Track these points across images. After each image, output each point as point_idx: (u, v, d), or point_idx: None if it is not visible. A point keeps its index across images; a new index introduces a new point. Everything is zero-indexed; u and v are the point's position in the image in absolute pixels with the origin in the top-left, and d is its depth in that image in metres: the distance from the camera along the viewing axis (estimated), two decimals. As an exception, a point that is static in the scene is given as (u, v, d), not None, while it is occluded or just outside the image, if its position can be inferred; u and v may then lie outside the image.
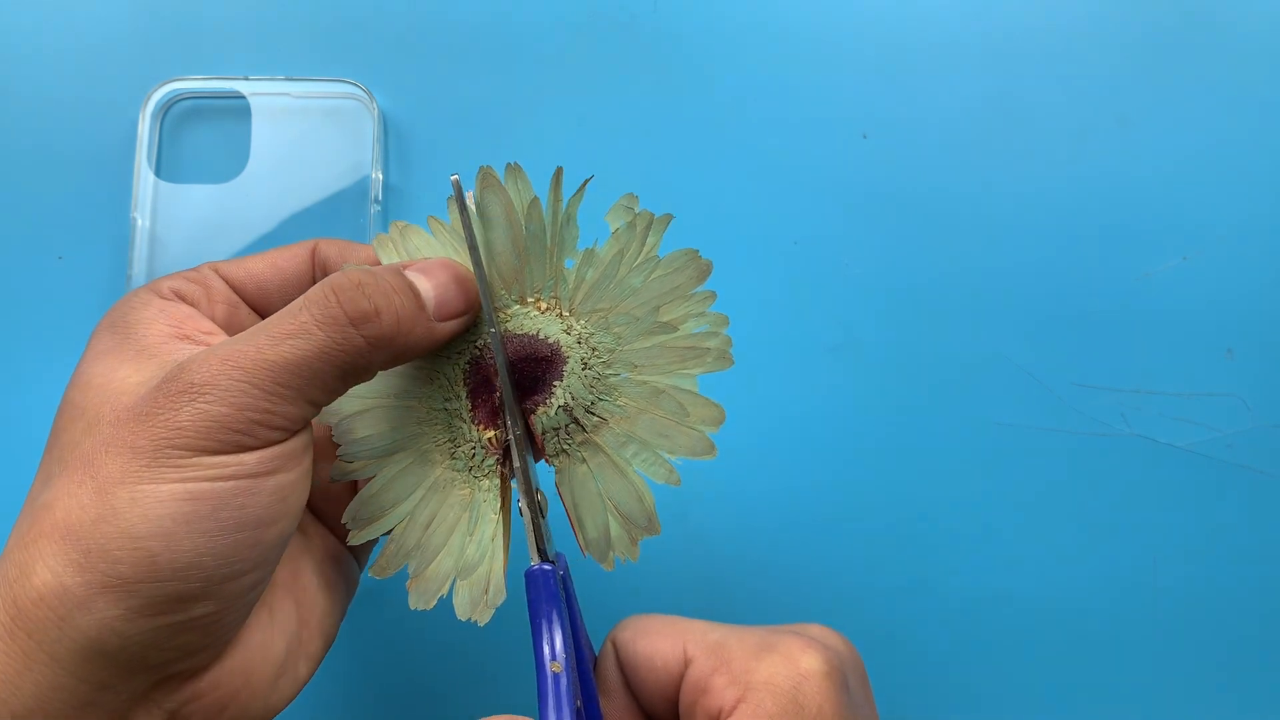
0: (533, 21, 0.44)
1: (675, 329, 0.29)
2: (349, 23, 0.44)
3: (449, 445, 0.31)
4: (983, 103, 0.44)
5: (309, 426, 0.26)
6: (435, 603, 0.30)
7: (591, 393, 0.30)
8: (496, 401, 0.30)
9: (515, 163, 0.29)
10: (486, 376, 0.30)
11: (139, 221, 0.41)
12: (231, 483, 0.24)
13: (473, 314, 0.29)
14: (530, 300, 0.30)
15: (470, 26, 0.44)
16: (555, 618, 0.28)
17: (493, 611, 0.30)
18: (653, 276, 0.30)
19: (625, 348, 0.30)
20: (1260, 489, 0.41)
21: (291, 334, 0.25)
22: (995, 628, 0.40)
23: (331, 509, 0.31)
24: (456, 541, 0.30)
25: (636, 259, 0.30)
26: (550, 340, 0.30)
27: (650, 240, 0.30)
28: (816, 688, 0.25)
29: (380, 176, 0.42)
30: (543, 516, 0.29)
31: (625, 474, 0.30)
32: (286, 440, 0.25)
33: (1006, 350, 0.42)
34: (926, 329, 0.42)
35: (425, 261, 0.28)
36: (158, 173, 0.42)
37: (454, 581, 0.30)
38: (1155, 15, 0.45)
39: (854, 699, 0.26)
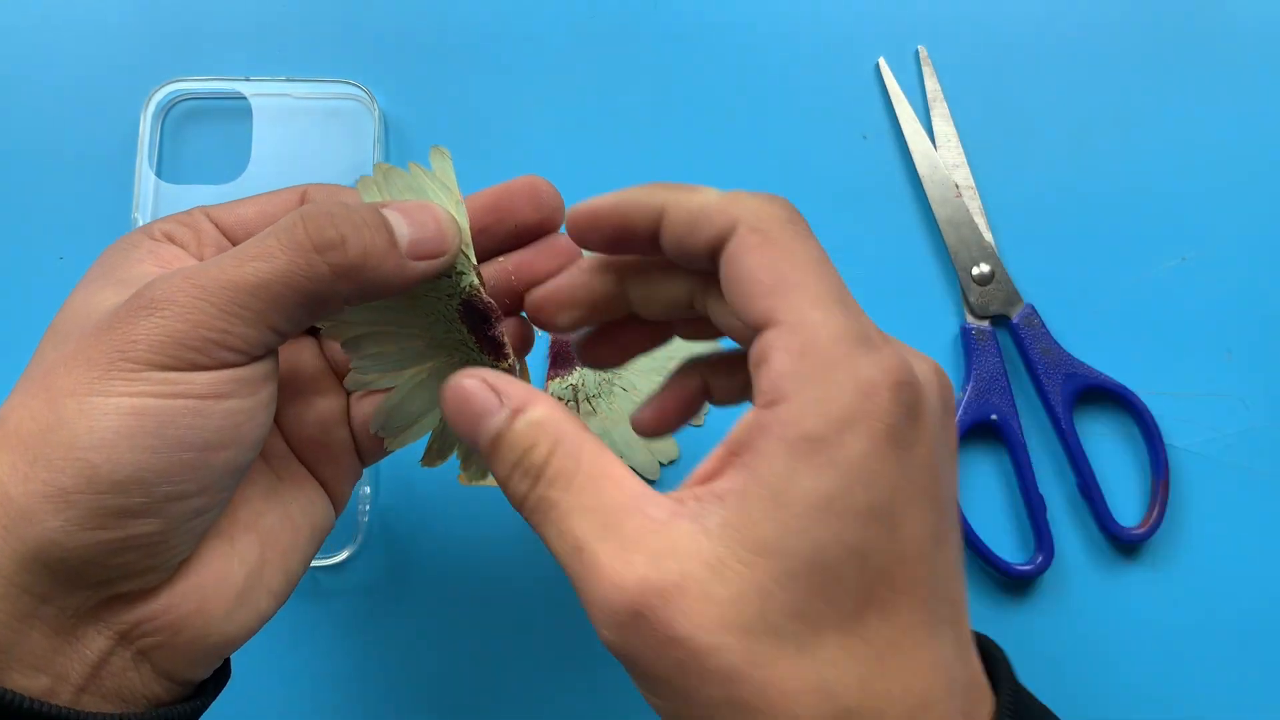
0: (533, 22, 0.45)
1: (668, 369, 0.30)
2: (349, 23, 0.44)
3: (465, 365, 0.30)
4: (982, 102, 0.44)
5: (272, 356, 0.26)
6: (490, 477, 0.30)
7: (597, 388, 0.40)
8: (499, 336, 0.29)
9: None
10: (483, 315, 0.29)
11: (140, 222, 0.41)
12: (180, 401, 0.24)
13: (450, 258, 0.27)
14: None
15: (470, 27, 0.44)
16: None
17: None
18: None
19: (632, 366, 0.34)
20: (1260, 489, 0.41)
21: (256, 256, 0.24)
22: (996, 626, 0.40)
23: (309, 451, 0.30)
24: None
25: None
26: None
27: None
28: (875, 427, 0.22)
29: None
30: None
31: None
32: (244, 365, 0.25)
33: (1007, 350, 0.42)
34: (927, 329, 0.42)
35: (405, 202, 0.28)
36: (159, 173, 0.42)
37: None
38: (1155, 15, 0.45)
39: (915, 459, 0.23)
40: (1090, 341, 0.42)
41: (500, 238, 0.30)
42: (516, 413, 0.25)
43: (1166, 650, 0.40)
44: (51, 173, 0.43)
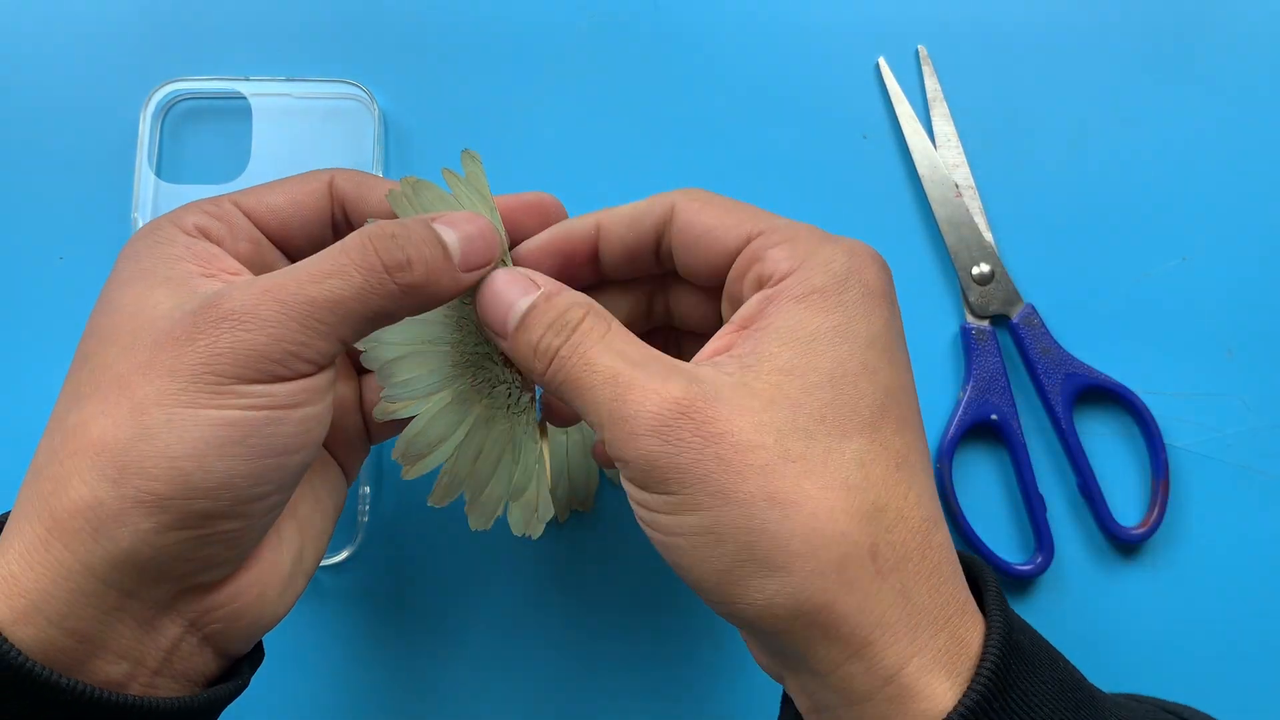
0: (533, 21, 0.44)
1: None
2: (349, 23, 0.44)
3: (485, 385, 0.32)
4: (982, 102, 0.44)
5: (334, 363, 0.28)
6: (493, 523, 0.33)
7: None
8: None
9: None
10: None
11: (140, 222, 0.41)
12: (263, 412, 0.25)
13: (495, 264, 0.29)
14: None
15: (471, 27, 0.44)
16: None
17: (544, 526, 0.33)
18: None
19: None
20: (1260, 489, 0.41)
21: (331, 274, 0.26)
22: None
23: (328, 435, 0.32)
24: (504, 470, 0.33)
25: None
26: None
27: None
28: (868, 280, 0.27)
29: (381, 177, 0.42)
30: None
31: (588, 456, 0.36)
32: (315, 374, 0.27)
33: (1007, 350, 0.42)
34: (927, 329, 0.42)
35: (451, 214, 0.29)
36: (158, 173, 0.42)
37: (506, 504, 0.33)
38: (1155, 16, 0.45)
39: (894, 314, 0.28)
40: (1090, 341, 0.42)
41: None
42: (551, 294, 0.28)
43: (1166, 650, 0.40)
44: (51, 173, 0.43)
